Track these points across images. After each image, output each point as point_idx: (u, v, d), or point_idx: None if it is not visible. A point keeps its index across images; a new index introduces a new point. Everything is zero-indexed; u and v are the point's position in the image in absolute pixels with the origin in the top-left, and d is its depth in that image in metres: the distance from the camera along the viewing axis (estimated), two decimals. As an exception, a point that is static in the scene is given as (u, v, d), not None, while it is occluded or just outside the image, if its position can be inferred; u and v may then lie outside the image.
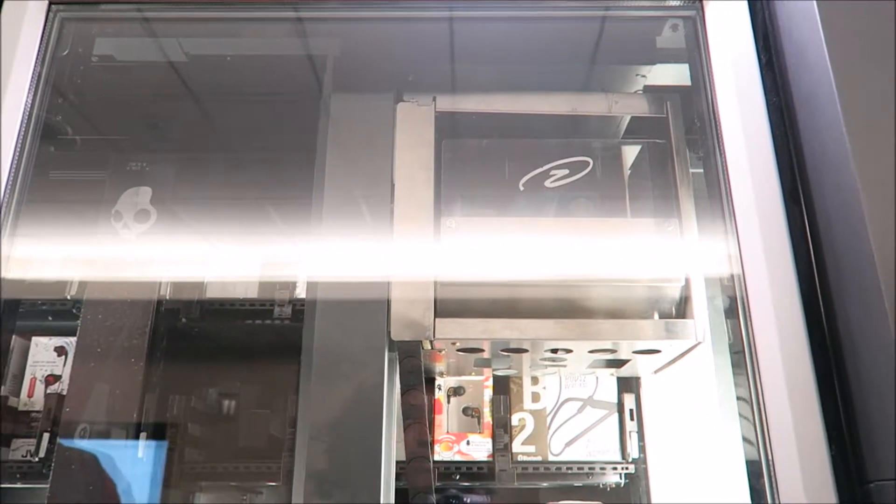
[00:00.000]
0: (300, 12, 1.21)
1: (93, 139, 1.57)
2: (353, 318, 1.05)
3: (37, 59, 1.07)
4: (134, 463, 1.33)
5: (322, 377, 1.02)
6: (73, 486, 1.26)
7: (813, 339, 0.87)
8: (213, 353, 1.51)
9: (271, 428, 1.49)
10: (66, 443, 1.28)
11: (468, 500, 1.40)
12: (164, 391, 1.41)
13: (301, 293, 1.44)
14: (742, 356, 0.92)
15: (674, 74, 1.21)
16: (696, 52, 1.06)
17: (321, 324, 1.05)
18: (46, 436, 1.34)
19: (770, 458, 0.84)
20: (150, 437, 1.35)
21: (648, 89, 1.23)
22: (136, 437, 1.33)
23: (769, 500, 0.84)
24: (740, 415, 1.04)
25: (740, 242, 0.93)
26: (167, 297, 1.44)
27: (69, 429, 1.30)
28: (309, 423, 1.00)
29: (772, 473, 0.84)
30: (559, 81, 1.23)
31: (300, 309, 1.41)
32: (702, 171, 1.11)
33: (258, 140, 1.61)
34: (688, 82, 1.14)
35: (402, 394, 1.00)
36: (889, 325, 0.75)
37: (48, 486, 1.25)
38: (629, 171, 1.32)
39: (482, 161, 1.16)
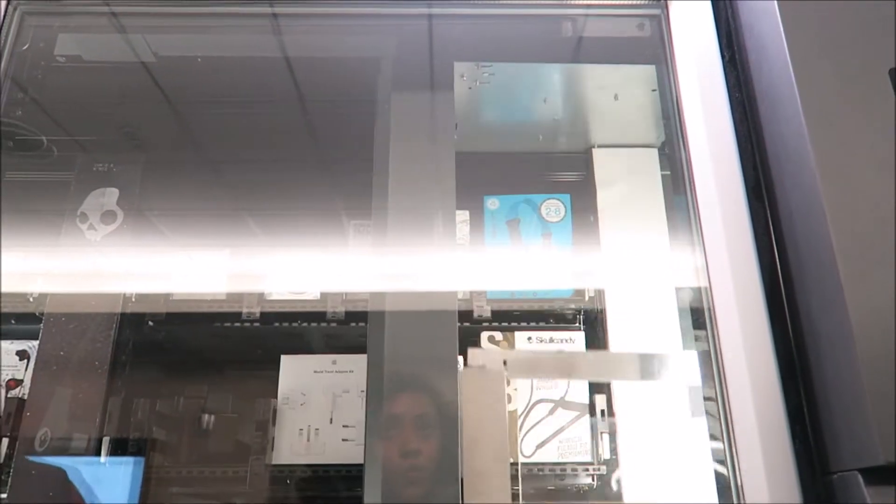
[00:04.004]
0: (275, 7, 1.18)
1: (59, 140, 1.55)
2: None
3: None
4: (98, 470, 1.29)
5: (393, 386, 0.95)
6: (33, 494, 1.22)
7: (776, 335, 0.87)
8: (180, 356, 1.48)
9: (240, 433, 1.46)
10: (26, 449, 1.25)
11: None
12: (129, 395, 1.38)
13: (270, 295, 1.42)
14: (709, 354, 0.92)
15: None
16: (661, 51, 1.06)
17: (391, 334, 0.97)
18: (6, 441, 1.30)
19: (735, 454, 0.84)
20: (115, 443, 1.32)
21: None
22: (99, 444, 1.30)
23: (734, 497, 0.84)
24: (707, 413, 1.04)
25: (704, 242, 0.93)
26: (133, 300, 1.41)
27: (29, 435, 1.26)
28: (378, 434, 0.94)
29: (736, 470, 0.84)
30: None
31: (268, 311, 1.40)
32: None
33: (229, 143, 1.60)
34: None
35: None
36: (848, 318, 0.75)
37: (6, 494, 1.21)
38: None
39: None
